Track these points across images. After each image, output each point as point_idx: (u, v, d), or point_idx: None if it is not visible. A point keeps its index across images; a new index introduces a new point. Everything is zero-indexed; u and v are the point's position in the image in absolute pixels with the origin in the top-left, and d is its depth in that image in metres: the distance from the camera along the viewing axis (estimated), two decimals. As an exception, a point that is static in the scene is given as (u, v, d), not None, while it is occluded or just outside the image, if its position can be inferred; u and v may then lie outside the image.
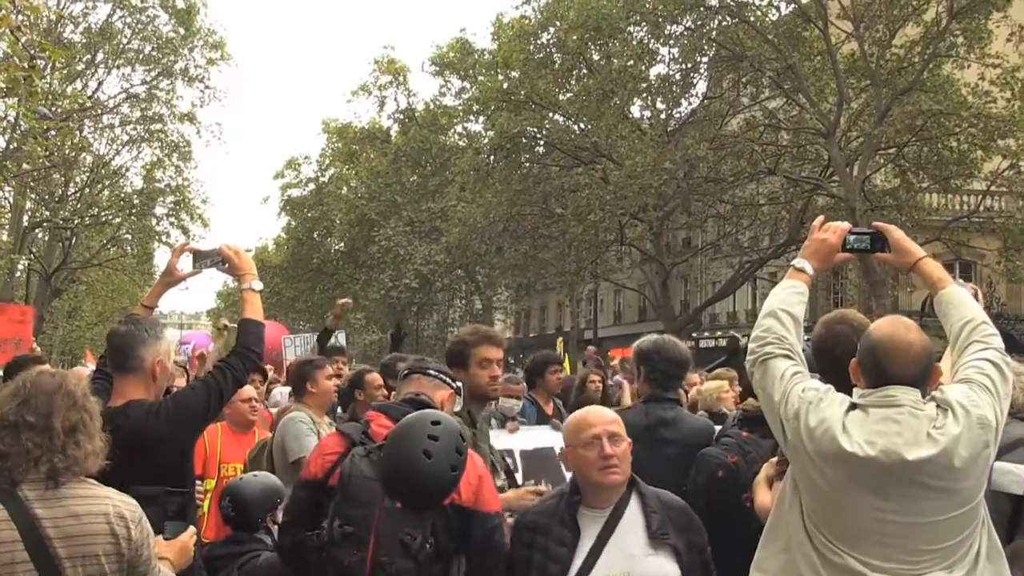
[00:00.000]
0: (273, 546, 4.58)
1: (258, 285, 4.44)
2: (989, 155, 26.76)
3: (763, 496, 4.04)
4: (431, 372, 4.20)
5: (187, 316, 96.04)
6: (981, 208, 29.15)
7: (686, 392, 10.58)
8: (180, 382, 7.20)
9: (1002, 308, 30.35)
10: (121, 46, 33.33)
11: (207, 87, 35.12)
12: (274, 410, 8.45)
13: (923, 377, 3.12)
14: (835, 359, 3.54)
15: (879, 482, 3.01)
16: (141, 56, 34.08)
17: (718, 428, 5.33)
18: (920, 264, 3.46)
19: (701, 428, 5.24)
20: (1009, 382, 3.19)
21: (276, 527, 4.75)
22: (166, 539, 3.52)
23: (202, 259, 4.52)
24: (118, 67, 34.00)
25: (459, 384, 4.31)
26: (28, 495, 3.00)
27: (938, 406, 3.04)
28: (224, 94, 43.19)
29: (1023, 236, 27.10)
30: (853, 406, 3.12)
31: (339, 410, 7.26)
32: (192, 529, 3.70)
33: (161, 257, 43.41)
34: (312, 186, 51.66)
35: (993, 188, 28.49)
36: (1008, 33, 25.58)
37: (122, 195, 36.33)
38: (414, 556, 3.49)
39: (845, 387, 3.29)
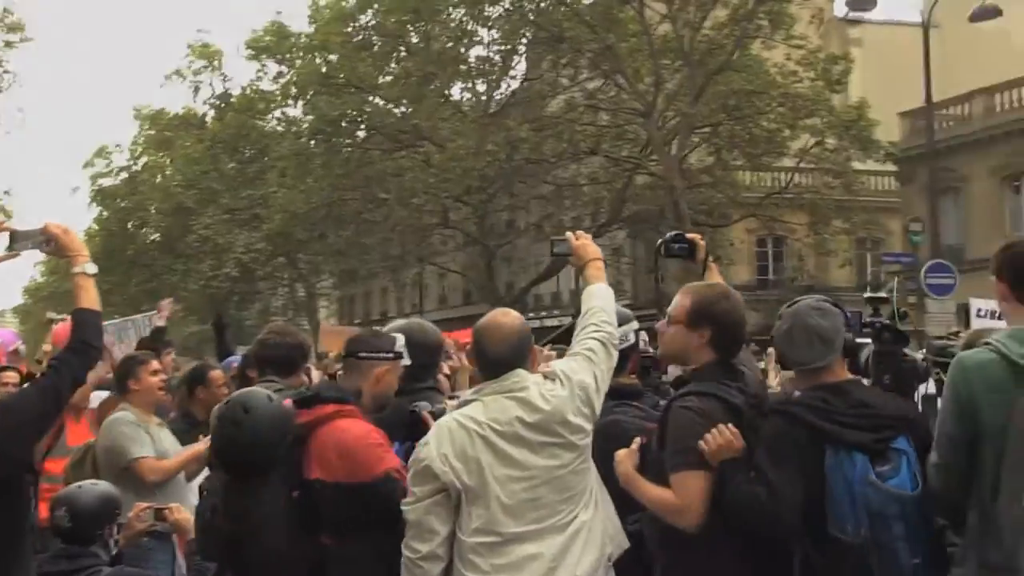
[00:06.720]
0: (111, 561, 4.16)
1: (92, 268, 3.79)
2: (796, 133, 27.86)
3: (658, 491, 3.54)
4: (361, 355, 4.07)
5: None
6: (791, 185, 30.34)
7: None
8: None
9: (813, 280, 31.56)
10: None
11: (6, 71, 33.25)
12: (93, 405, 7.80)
13: (519, 356, 3.67)
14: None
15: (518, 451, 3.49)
16: (-69, 38, 31.99)
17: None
18: (586, 265, 4.12)
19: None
20: (613, 356, 3.80)
21: (113, 541, 4.33)
22: None
23: (22, 240, 3.79)
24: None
25: (401, 349, 4.10)
26: None
27: (545, 377, 3.62)
28: (24, 79, 40.92)
29: (829, 211, 28.36)
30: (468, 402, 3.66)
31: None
32: None
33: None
34: (125, 175, 49.64)
35: (802, 165, 29.67)
36: (810, 16, 26.67)
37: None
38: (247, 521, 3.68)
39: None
